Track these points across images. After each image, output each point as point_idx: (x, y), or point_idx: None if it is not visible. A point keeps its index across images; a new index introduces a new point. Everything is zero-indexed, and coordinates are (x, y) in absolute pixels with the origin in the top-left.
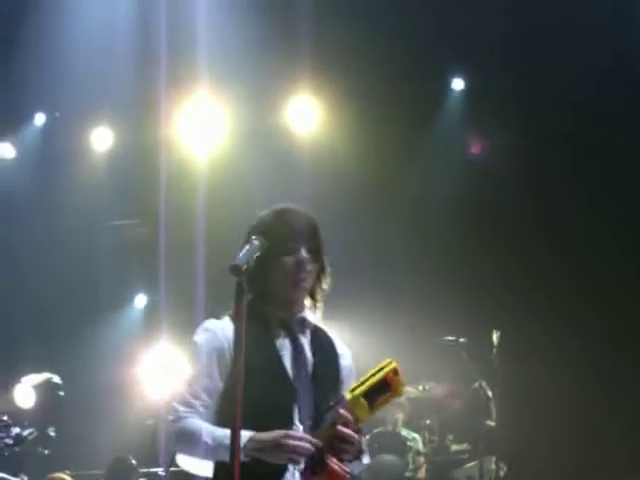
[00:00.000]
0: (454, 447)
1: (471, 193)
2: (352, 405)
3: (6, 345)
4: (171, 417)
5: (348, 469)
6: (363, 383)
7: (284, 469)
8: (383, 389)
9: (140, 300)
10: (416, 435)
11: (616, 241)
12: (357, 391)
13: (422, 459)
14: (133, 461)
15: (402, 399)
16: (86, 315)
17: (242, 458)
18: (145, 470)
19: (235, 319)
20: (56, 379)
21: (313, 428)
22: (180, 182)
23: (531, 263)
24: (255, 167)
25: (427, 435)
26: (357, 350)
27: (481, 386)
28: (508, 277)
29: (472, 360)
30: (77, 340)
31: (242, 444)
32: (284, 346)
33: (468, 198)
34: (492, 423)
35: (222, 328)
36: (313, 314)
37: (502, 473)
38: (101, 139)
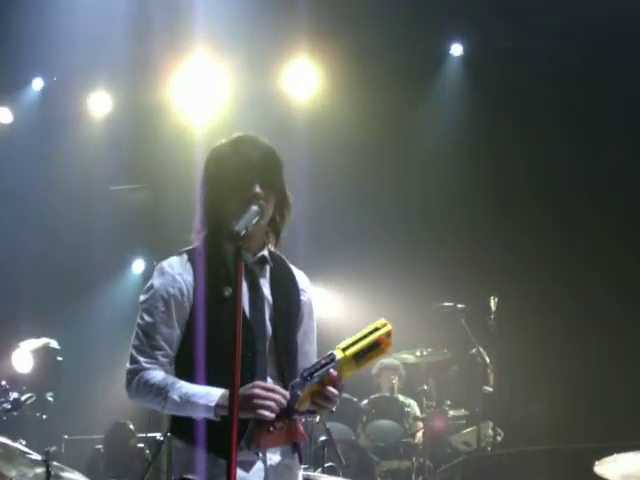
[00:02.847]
0: (451, 413)
1: (469, 159)
2: (342, 365)
3: (4, 310)
4: (131, 367)
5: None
6: (355, 343)
7: (250, 429)
8: (372, 349)
9: (138, 265)
10: (412, 401)
11: (616, 207)
12: (349, 352)
13: (420, 424)
14: (131, 426)
15: (398, 364)
16: (84, 280)
17: (212, 417)
18: (143, 435)
19: (234, 280)
20: (54, 344)
21: (280, 379)
22: (178, 146)
23: (529, 229)
24: (253, 131)
25: (424, 401)
26: (355, 316)
27: (479, 352)
28: (506, 243)
29: (470, 326)
30: (75, 305)
31: (214, 402)
32: (242, 291)
33: (466, 164)
34: (489, 389)
35: (180, 272)
36: (275, 249)
37: (499, 439)
38: (99, 103)
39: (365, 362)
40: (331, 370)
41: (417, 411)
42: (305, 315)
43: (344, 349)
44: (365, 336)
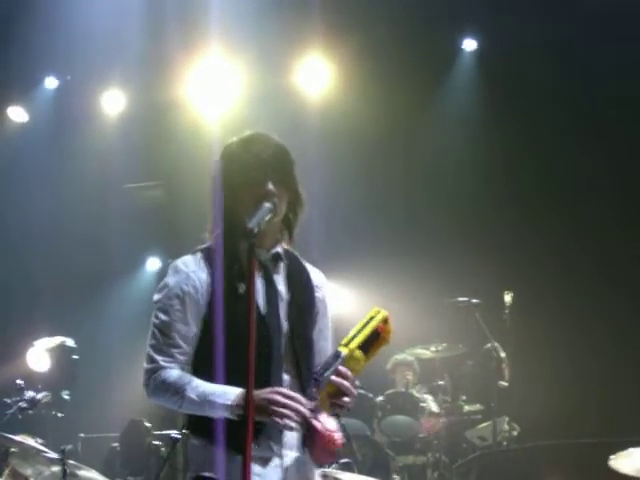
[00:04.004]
0: (467, 408)
1: (482, 154)
2: (349, 359)
3: (20, 309)
4: (148, 366)
5: (335, 431)
6: (356, 335)
7: (267, 426)
8: (374, 339)
9: (152, 263)
10: (427, 396)
11: (630, 206)
12: (352, 344)
13: (435, 419)
14: (147, 424)
15: (412, 360)
16: (99, 279)
17: (230, 416)
18: (159, 432)
19: (247, 278)
20: (70, 342)
21: (297, 376)
22: (192, 144)
23: (544, 223)
24: (266, 128)
25: (440, 396)
26: (369, 311)
27: (494, 347)
28: (521, 237)
29: (485, 321)
30: (90, 304)
31: (231, 401)
32: (257, 288)
33: (479, 159)
34: (505, 384)
35: (194, 270)
36: (289, 246)
37: (515, 433)
38: (113, 102)
39: (371, 354)
40: (339, 367)
41: (432, 406)
42: (320, 312)
43: (346, 344)
44: (363, 327)
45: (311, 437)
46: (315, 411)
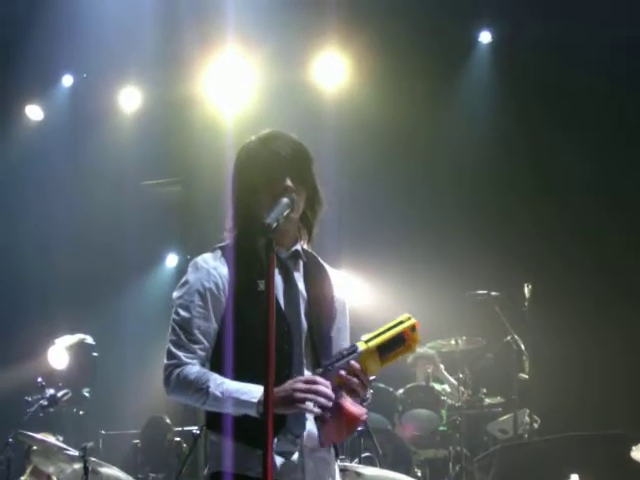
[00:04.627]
0: (487, 401)
1: (500, 146)
2: (364, 357)
3: (39, 307)
4: (169, 362)
5: (363, 409)
6: (378, 335)
7: (288, 420)
8: (398, 344)
9: (171, 260)
10: (446, 387)
11: None
12: (372, 343)
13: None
14: (168, 420)
15: (433, 354)
16: (118, 276)
17: (254, 414)
18: (180, 429)
19: (266, 275)
20: (89, 340)
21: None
22: (209, 140)
23: (563, 215)
24: (283, 123)
25: (461, 389)
26: (388, 304)
27: (514, 339)
28: (540, 230)
29: (504, 313)
30: (109, 301)
31: (257, 399)
32: (277, 285)
33: (497, 151)
34: (525, 376)
35: (215, 266)
36: (307, 245)
37: (536, 426)
38: (129, 99)
39: (391, 358)
40: (352, 362)
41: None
42: (339, 311)
43: (367, 341)
44: (389, 329)
45: (335, 415)
46: (337, 392)
